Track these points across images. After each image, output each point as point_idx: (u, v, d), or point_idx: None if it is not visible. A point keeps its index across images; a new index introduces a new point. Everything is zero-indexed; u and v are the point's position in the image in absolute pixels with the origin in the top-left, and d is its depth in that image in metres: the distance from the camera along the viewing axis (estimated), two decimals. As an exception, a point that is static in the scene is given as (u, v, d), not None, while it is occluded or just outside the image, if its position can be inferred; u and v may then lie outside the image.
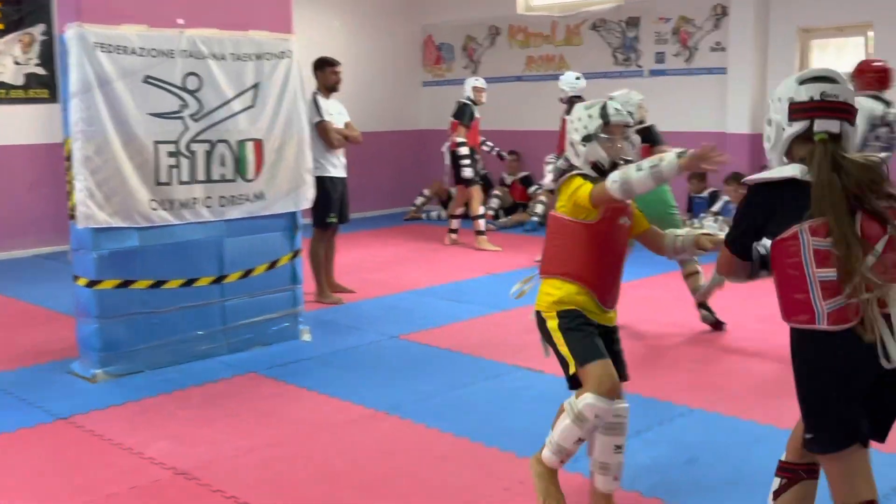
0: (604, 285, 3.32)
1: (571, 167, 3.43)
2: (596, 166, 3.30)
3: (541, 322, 3.36)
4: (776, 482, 2.76)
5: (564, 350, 3.24)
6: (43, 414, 4.60)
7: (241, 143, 5.63)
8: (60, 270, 8.29)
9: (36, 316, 6.88)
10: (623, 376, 3.37)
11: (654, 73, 10.89)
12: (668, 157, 3.07)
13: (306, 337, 6.02)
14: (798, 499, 2.70)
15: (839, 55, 9.70)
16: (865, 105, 5.66)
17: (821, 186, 2.42)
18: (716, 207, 9.78)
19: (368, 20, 12.40)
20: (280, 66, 5.76)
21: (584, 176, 3.27)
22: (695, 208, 10.17)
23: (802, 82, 2.54)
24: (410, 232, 11.17)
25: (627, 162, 3.36)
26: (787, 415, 3.63)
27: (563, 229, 3.33)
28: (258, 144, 5.71)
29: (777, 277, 2.56)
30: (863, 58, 9.29)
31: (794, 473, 2.70)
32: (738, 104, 10.09)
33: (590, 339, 3.24)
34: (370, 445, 4.19)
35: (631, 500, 3.59)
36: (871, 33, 9.30)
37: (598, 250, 3.27)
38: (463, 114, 9.53)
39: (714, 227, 9.54)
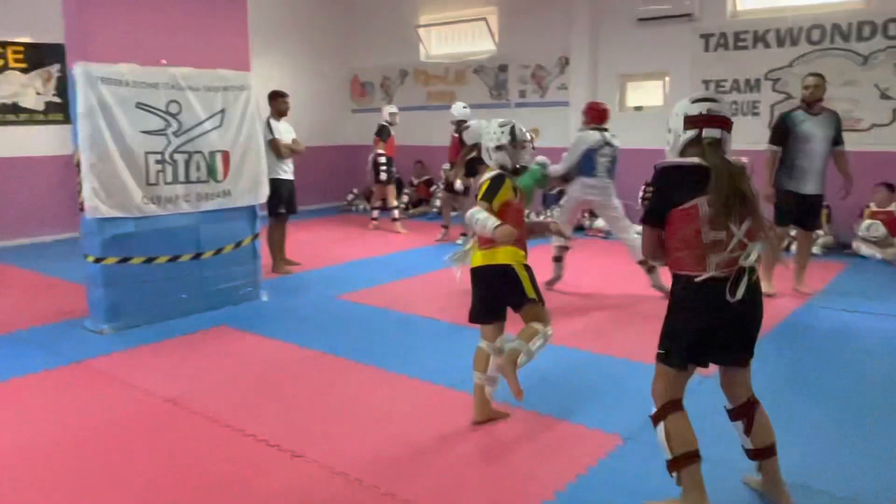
0: (522, 244, 3.43)
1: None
2: (503, 167, 3.44)
3: (509, 271, 3.36)
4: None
5: (531, 288, 3.36)
6: (62, 359, 4.57)
7: (212, 153, 5.61)
8: (73, 251, 8.09)
9: (55, 285, 6.72)
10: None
11: (517, 104, 11.09)
12: (490, 223, 3.17)
13: (264, 298, 6.05)
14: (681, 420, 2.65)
15: (645, 93, 10.05)
16: (589, 135, 6.11)
17: (718, 172, 2.51)
18: (562, 202, 10.01)
19: (311, 63, 12.38)
20: (241, 95, 5.75)
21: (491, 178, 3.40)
22: (547, 201, 10.39)
23: (694, 102, 2.65)
24: (342, 220, 11.18)
25: (524, 168, 3.52)
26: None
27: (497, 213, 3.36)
28: (225, 154, 5.70)
29: (672, 238, 2.58)
30: (661, 96, 9.77)
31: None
32: (577, 127, 10.31)
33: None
34: (316, 377, 4.28)
35: (531, 416, 3.67)
36: (667, 79, 9.67)
37: (513, 223, 3.29)
38: (382, 132, 9.69)
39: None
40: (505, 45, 11.06)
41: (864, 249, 7.63)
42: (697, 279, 2.52)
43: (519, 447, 3.30)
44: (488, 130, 3.51)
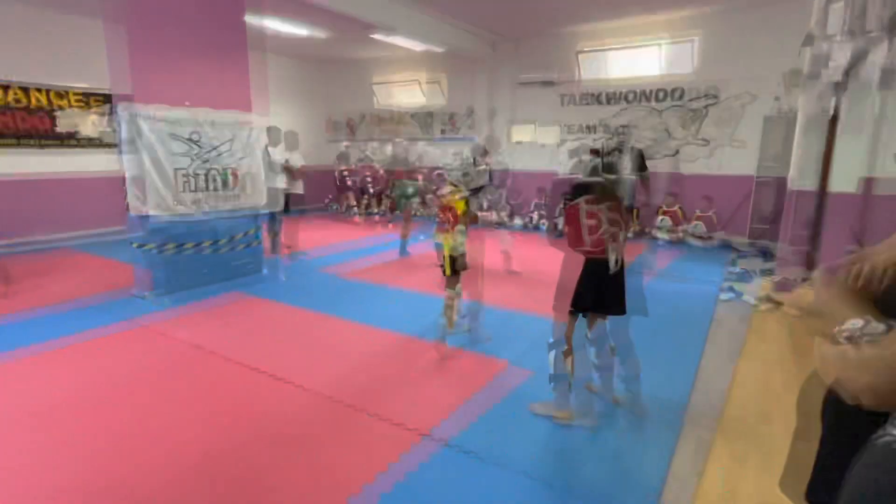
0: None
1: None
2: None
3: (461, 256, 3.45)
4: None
5: (448, 267, 3.44)
6: (117, 318, 4.25)
7: (225, 170, 5.27)
8: (119, 240, 7.53)
9: (107, 265, 6.21)
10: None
11: (439, 139, 11.01)
12: (461, 245, 3.31)
13: (264, 272, 5.78)
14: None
15: (524, 133, 10.12)
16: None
17: (595, 184, 2.59)
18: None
19: (297, 106, 11.87)
20: (245, 129, 5.42)
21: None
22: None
23: (562, 144, 2.70)
24: (323, 217, 10.82)
25: (482, 188, 3.47)
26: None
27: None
28: (234, 171, 5.37)
29: (569, 228, 2.60)
30: (532, 135, 9.86)
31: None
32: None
33: None
34: (303, 326, 4.13)
35: (474, 355, 3.66)
36: (536, 123, 9.70)
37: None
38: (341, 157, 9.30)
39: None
40: (431, 99, 10.90)
41: (659, 235, 7.98)
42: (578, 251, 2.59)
43: (466, 375, 3.24)
44: (454, 163, 3.56)
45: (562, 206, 2.70)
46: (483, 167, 3.54)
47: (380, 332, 3.92)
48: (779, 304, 4.69)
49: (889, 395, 0.77)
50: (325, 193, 12.15)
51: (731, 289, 5.03)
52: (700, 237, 7.77)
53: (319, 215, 10.98)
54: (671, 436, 2.52)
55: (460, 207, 3.35)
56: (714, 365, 3.37)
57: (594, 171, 2.59)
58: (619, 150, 2.78)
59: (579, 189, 2.60)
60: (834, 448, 1.03)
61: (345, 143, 9.42)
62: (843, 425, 0.98)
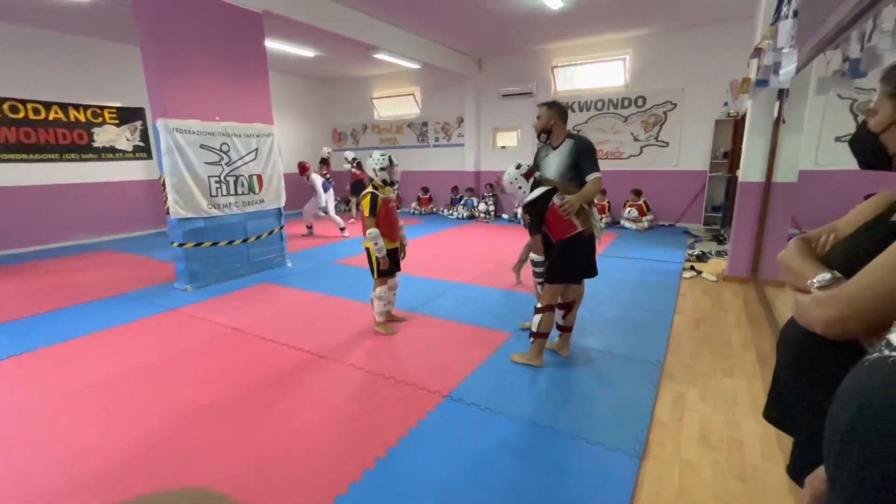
0: (394, 234, 3.37)
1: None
2: (385, 181, 3.28)
3: (392, 251, 3.38)
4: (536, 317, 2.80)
5: (373, 270, 3.37)
6: (161, 307, 4.23)
7: (251, 176, 5.25)
8: (156, 240, 7.46)
9: (147, 262, 6.14)
10: (399, 269, 3.49)
11: (434, 145, 11.00)
12: (384, 252, 3.17)
13: (290, 264, 5.77)
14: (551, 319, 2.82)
15: (507, 138, 10.15)
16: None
17: (562, 186, 2.71)
18: (462, 202, 10.12)
19: (308, 119, 11.79)
20: (268, 140, 5.39)
21: (372, 189, 3.25)
22: (453, 202, 10.44)
23: (518, 167, 2.76)
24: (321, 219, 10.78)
25: (394, 182, 3.38)
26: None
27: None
28: (259, 177, 5.34)
29: (552, 223, 2.69)
30: (515, 140, 9.92)
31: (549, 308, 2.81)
32: (469, 159, 10.33)
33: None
34: (325, 308, 4.15)
35: (441, 322, 3.71)
36: (519, 130, 9.78)
37: (390, 217, 3.29)
38: (357, 165, 9.12)
39: (462, 210, 9.92)
40: (425, 109, 10.88)
41: (627, 224, 8.11)
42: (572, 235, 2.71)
43: (453, 343, 3.32)
44: (374, 157, 3.31)
45: (527, 222, 2.79)
46: (397, 162, 3.38)
47: (395, 311, 3.98)
48: (699, 272, 4.97)
49: (851, 321, 0.88)
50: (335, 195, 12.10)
51: (692, 268, 5.16)
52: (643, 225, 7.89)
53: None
54: (651, 389, 2.63)
55: (364, 208, 3.25)
56: (683, 330, 3.49)
57: (538, 184, 2.76)
58: (537, 167, 2.87)
59: (544, 197, 2.72)
60: (788, 374, 1.14)
61: (326, 150, 9.30)
62: (799, 355, 1.09)
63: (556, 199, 2.71)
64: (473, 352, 3.13)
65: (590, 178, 2.73)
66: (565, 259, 2.75)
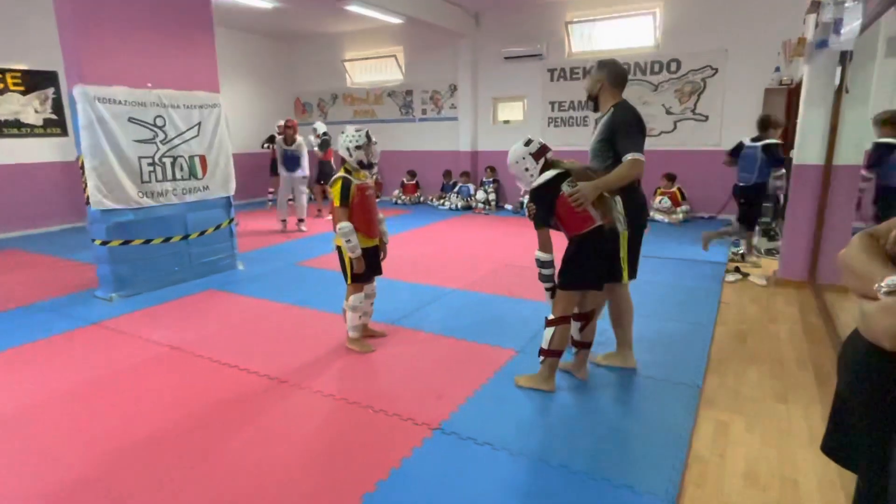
0: (372, 228, 3.38)
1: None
2: (361, 163, 3.30)
3: (370, 251, 3.41)
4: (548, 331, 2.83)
5: (346, 273, 3.40)
6: (81, 321, 4.20)
7: (192, 157, 5.23)
8: (73, 237, 7.39)
9: (62, 265, 6.09)
10: (379, 272, 3.52)
11: (420, 119, 11.03)
12: (358, 251, 3.20)
13: (241, 266, 5.76)
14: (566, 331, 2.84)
15: (511, 111, 10.22)
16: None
17: (576, 169, 2.75)
18: (456, 189, 10.17)
19: (265, 87, 11.80)
20: (213, 112, 5.37)
21: (344, 173, 3.26)
22: (445, 189, 10.49)
23: (527, 144, 2.77)
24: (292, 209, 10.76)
25: (372, 164, 3.38)
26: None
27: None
28: (203, 158, 5.33)
29: (563, 216, 2.72)
30: (521, 113, 9.96)
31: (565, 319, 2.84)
32: (464, 136, 10.41)
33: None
34: (285, 322, 4.15)
35: (430, 337, 3.75)
36: (525, 100, 9.85)
37: (367, 207, 3.31)
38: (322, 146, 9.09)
39: (456, 200, 9.95)
40: (410, 75, 10.90)
41: (658, 216, 8.20)
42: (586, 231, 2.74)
43: (445, 362, 3.34)
44: (348, 134, 3.31)
45: (531, 214, 2.79)
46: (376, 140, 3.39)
47: (373, 325, 3.98)
48: (745, 274, 5.08)
49: None
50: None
51: (737, 269, 5.23)
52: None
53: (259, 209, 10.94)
54: (688, 418, 2.66)
55: (333, 196, 3.25)
56: (725, 346, 3.53)
57: (550, 167, 2.77)
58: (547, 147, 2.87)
59: (552, 183, 2.73)
60: (851, 398, 1.15)
61: (278, 124, 9.21)
62: (864, 376, 1.09)
63: (565, 187, 2.72)
64: (470, 374, 3.15)
65: (625, 158, 2.71)
66: (580, 259, 2.76)
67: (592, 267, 2.77)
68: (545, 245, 2.77)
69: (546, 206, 2.73)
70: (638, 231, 2.97)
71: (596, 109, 3.00)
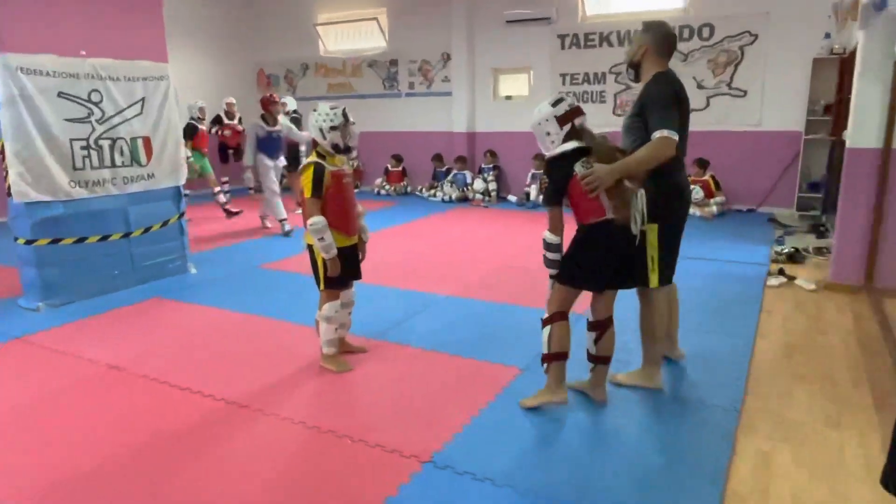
0: (350, 224, 3.38)
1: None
2: (336, 146, 3.30)
3: (348, 251, 3.42)
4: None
5: (319, 278, 3.40)
6: (1, 336, 4.15)
7: (134, 139, 5.21)
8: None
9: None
10: (358, 276, 3.54)
11: (407, 94, 11.04)
12: (333, 251, 3.20)
13: (193, 270, 5.75)
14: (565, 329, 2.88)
15: (513, 84, 10.25)
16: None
17: (598, 145, 2.76)
18: (449, 177, 10.17)
19: (222, 56, 11.80)
20: (160, 85, 5.36)
21: (316, 158, 3.26)
22: (437, 177, 10.50)
23: (555, 104, 2.78)
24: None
25: (349, 148, 3.40)
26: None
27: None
28: (147, 140, 5.31)
29: (575, 200, 2.76)
30: (527, 87, 9.99)
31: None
32: (459, 114, 10.44)
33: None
34: (247, 336, 4.14)
35: (419, 353, 3.77)
36: (531, 72, 9.89)
37: (344, 198, 3.31)
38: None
39: (450, 190, 9.96)
40: (395, 42, 10.91)
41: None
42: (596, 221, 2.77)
43: (437, 383, 3.33)
44: (321, 112, 3.31)
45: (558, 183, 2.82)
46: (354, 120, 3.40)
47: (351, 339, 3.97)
48: (791, 278, 5.13)
49: None
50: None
51: (781, 272, 5.26)
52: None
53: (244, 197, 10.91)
54: (725, 447, 2.67)
55: (304, 186, 3.23)
56: (768, 362, 3.55)
57: (576, 136, 2.77)
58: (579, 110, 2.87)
59: (569, 157, 2.76)
60: None
61: (226, 101, 9.14)
62: None
63: (578, 168, 2.73)
64: (466, 397, 3.14)
65: (654, 136, 2.73)
66: (582, 254, 2.80)
67: (595, 266, 2.80)
68: (555, 226, 2.80)
69: (559, 182, 2.77)
70: (673, 225, 2.98)
71: (637, 80, 3.03)
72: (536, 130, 2.82)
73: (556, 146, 2.78)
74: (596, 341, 2.98)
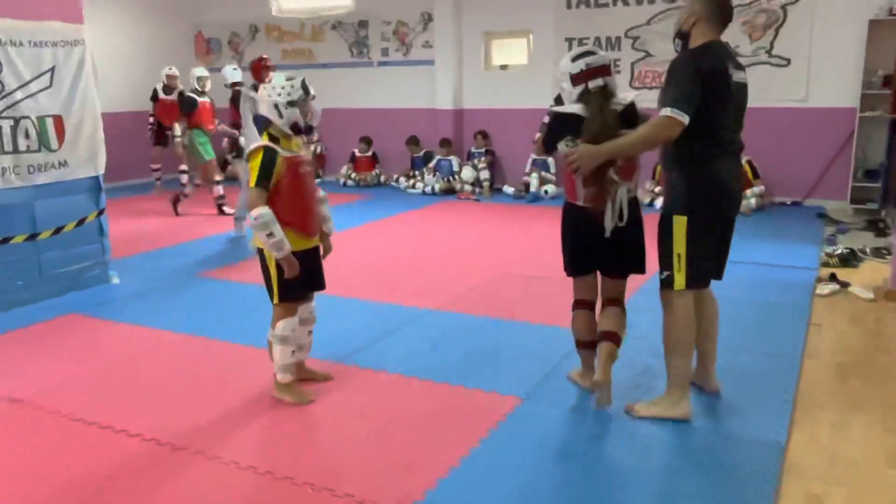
0: (311, 222, 3.39)
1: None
2: (294, 126, 3.28)
3: (312, 254, 3.46)
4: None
5: (273, 290, 3.38)
6: None
7: (42, 118, 5.18)
8: None
9: None
10: (321, 286, 3.57)
11: (380, 63, 11.03)
12: (287, 248, 3.16)
13: (115, 280, 5.72)
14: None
15: (509, 50, 10.29)
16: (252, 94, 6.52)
17: (591, 120, 2.98)
18: (431, 164, 10.16)
19: (147, 16, 11.72)
20: (74, 52, 5.34)
21: (268, 141, 3.23)
22: (416, 165, 10.49)
23: (574, 60, 3.03)
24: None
25: (311, 129, 3.39)
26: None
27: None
28: (58, 120, 5.28)
29: (562, 169, 3.31)
30: (526, 55, 10.02)
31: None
32: (443, 87, 10.44)
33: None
34: (183, 361, 4.11)
35: (396, 380, 3.78)
36: (531, 36, 9.93)
37: (304, 191, 3.33)
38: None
39: (432, 180, 9.95)
40: (365, 0, 10.89)
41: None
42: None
43: (419, 417, 3.33)
44: (275, 86, 3.28)
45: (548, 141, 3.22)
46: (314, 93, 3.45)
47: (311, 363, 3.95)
48: (845, 284, 5.22)
49: None
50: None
51: (833, 277, 5.32)
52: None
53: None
54: (768, 489, 2.69)
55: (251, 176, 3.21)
56: (818, 386, 3.58)
57: (589, 98, 3.03)
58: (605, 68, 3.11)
59: (563, 123, 3.10)
60: None
61: (165, 73, 9.15)
62: None
63: (561, 146, 3.03)
64: (454, 433, 3.14)
65: (660, 114, 2.82)
66: (563, 233, 3.30)
67: (566, 249, 3.27)
68: (539, 148, 3.42)
69: (549, 140, 3.16)
70: (708, 221, 3.06)
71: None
72: (562, 79, 3.12)
73: (566, 106, 3.11)
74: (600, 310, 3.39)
